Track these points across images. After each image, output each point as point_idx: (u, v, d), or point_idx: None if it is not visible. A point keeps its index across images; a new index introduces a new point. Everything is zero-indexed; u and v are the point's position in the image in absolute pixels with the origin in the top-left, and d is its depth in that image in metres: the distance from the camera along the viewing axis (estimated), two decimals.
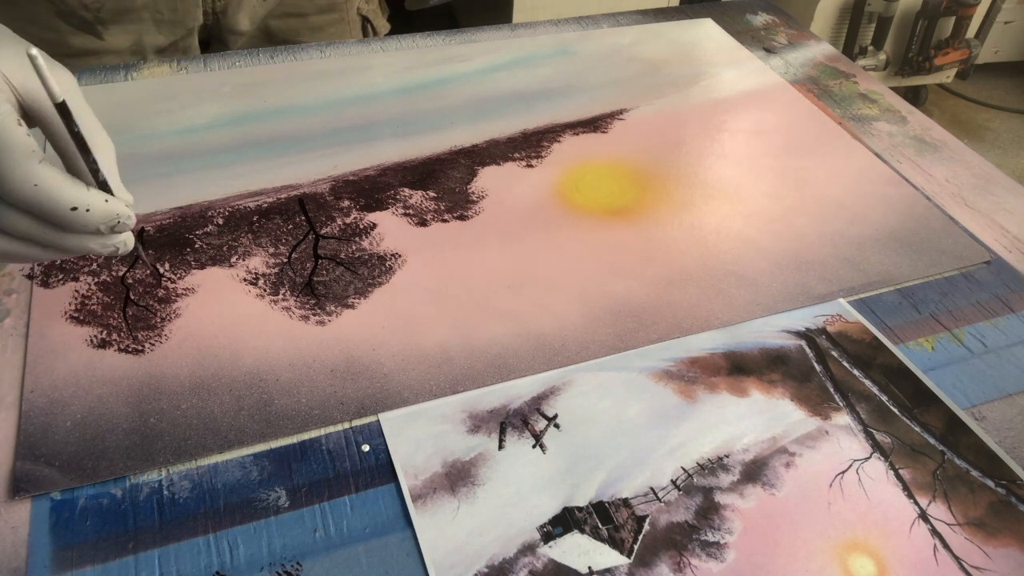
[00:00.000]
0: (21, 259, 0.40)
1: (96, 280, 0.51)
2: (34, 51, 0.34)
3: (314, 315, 0.49)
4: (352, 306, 0.50)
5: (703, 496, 0.42)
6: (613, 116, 0.69)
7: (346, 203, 0.58)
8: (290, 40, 0.87)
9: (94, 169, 0.39)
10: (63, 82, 0.38)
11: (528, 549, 0.39)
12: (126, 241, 0.41)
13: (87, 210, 0.38)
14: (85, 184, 0.38)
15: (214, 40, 0.86)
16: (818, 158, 0.66)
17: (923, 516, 0.41)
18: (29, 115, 0.38)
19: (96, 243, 0.40)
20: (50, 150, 0.40)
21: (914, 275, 0.55)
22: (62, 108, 0.37)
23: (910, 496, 0.42)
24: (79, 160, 0.39)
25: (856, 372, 0.49)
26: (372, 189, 0.59)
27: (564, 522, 0.40)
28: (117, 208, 0.39)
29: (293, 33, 0.88)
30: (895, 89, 0.89)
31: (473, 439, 0.43)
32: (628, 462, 0.43)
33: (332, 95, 0.69)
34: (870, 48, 2.11)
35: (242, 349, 0.47)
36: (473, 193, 0.60)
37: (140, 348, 0.47)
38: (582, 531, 0.40)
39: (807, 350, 0.50)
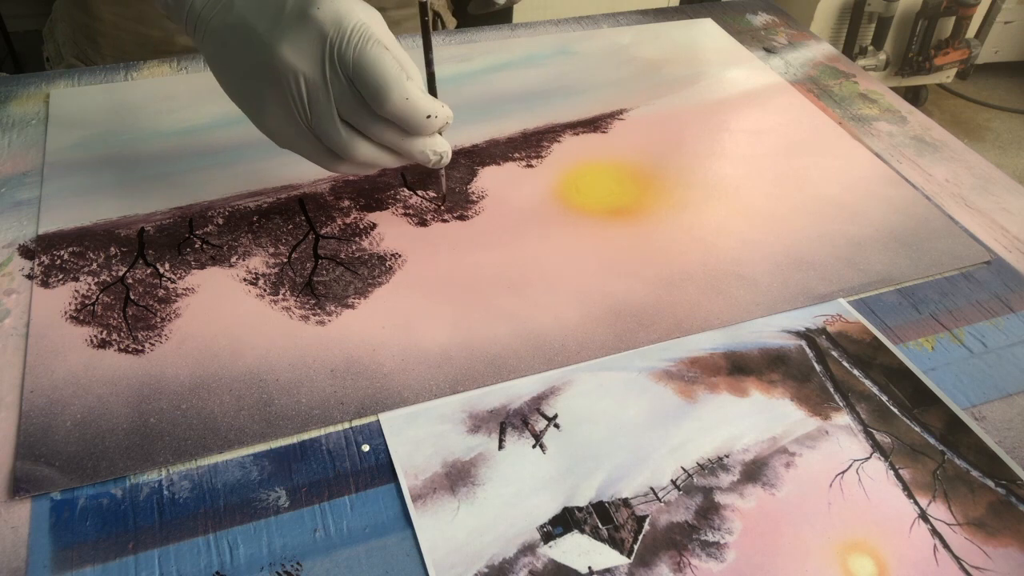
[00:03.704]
0: (379, 165, 0.51)
1: (96, 280, 0.51)
2: None
3: (314, 315, 0.49)
4: (352, 306, 0.50)
5: (703, 496, 0.42)
6: (613, 116, 0.69)
7: (346, 203, 0.58)
8: None
9: (431, 84, 0.52)
10: (372, 19, 0.47)
11: (528, 549, 0.39)
12: (448, 151, 0.52)
13: (436, 116, 0.48)
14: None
15: None
16: (818, 158, 0.66)
17: (923, 516, 0.41)
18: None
19: (430, 148, 0.50)
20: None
21: (914, 275, 0.55)
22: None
23: (910, 496, 0.42)
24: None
25: (856, 372, 0.49)
26: (372, 189, 0.59)
27: (564, 522, 0.40)
28: (448, 112, 0.49)
29: None
30: (895, 89, 0.89)
31: (473, 439, 0.43)
32: (628, 462, 0.43)
33: None
34: (870, 48, 2.11)
35: (242, 349, 0.47)
36: (473, 193, 0.60)
37: (140, 348, 0.47)
38: (582, 531, 0.40)
39: (807, 350, 0.50)
